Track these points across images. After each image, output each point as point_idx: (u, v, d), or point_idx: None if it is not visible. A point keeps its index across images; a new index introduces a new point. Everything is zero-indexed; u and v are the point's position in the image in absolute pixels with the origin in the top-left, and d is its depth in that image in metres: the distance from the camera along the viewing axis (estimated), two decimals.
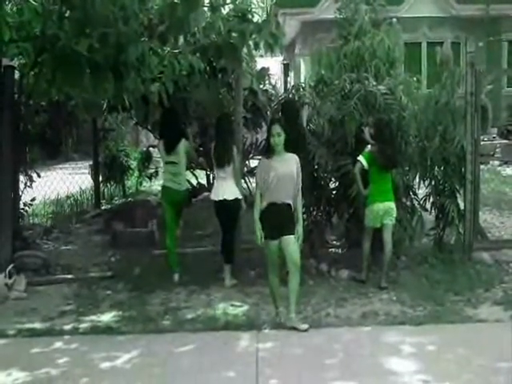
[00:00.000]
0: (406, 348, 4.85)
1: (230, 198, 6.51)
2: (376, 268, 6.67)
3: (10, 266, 6.50)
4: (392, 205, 6.40)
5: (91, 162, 11.56)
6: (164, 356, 4.85)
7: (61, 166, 14.70)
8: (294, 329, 5.21)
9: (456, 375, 4.39)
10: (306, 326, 5.25)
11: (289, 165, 5.37)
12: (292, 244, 5.25)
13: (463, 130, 7.13)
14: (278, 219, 5.30)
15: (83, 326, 5.53)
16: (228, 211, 6.60)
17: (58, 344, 5.13)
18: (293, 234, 5.30)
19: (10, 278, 6.44)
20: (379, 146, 6.39)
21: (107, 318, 5.74)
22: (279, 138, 5.31)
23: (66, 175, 11.76)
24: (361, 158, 6.43)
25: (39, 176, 8.93)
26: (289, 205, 5.34)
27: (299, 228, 5.40)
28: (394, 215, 6.42)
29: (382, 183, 6.41)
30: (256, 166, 6.28)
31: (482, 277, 6.57)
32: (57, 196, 11.03)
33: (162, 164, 7.69)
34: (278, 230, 5.28)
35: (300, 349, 4.91)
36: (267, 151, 5.50)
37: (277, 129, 5.33)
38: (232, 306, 5.96)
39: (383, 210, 6.36)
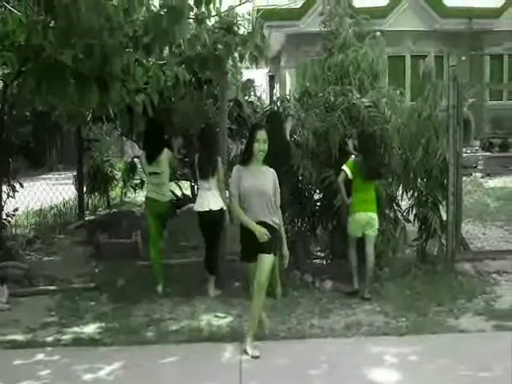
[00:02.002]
0: (389, 358, 4.87)
1: (215, 208, 6.51)
2: (359, 279, 6.68)
3: None
4: (374, 215, 6.44)
5: (75, 173, 11.50)
6: (147, 368, 4.82)
7: (44, 176, 14.60)
8: (245, 352, 4.97)
9: None
10: (256, 354, 4.90)
11: (266, 180, 5.05)
12: (264, 264, 4.91)
13: (446, 142, 7.21)
14: (253, 241, 4.92)
15: (66, 337, 5.49)
16: (213, 222, 6.60)
17: (40, 356, 5.07)
18: (269, 253, 4.94)
19: None
20: (363, 156, 6.44)
21: (90, 329, 5.70)
22: (264, 145, 4.97)
23: (50, 186, 11.66)
24: (345, 167, 6.48)
25: (22, 186, 8.87)
26: (265, 223, 4.98)
27: (284, 248, 5.15)
28: (376, 226, 6.46)
29: (366, 193, 6.45)
30: None
31: (465, 287, 6.64)
32: (40, 207, 10.94)
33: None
34: (254, 252, 4.96)
35: (283, 360, 4.90)
36: (245, 158, 5.11)
37: (263, 135, 4.97)
38: (216, 317, 5.95)
39: (365, 220, 6.40)
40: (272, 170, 5.15)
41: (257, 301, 4.99)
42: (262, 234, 4.90)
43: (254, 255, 4.97)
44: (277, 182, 5.14)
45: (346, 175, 6.45)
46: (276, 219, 5.10)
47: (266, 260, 4.94)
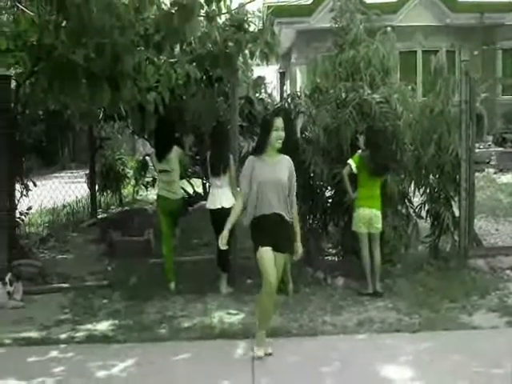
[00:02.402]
0: (402, 355, 4.86)
1: (227, 205, 6.50)
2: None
3: (9, 274, 6.48)
4: (378, 213, 6.41)
5: (88, 171, 11.57)
6: (160, 364, 4.85)
7: (57, 174, 14.70)
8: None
9: (452, 382, 4.41)
10: (269, 351, 4.91)
11: (282, 168, 4.85)
12: (277, 263, 4.78)
13: (458, 137, 7.17)
14: (271, 231, 4.78)
15: (79, 334, 5.53)
16: (225, 219, 6.58)
17: (54, 353, 5.11)
18: (283, 251, 4.85)
19: (10, 285, 6.41)
20: (370, 151, 6.42)
21: (103, 326, 5.73)
22: (283, 133, 4.76)
23: (63, 184, 11.75)
24: (350, 161, 6.46)
25: (35, 185, 8.94)
26: (281, 216, 4.82)
27: (298, 245, 4.94)
28: (379, 224, 6.43)
29: (371, 189, 6.42)
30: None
31: (478, 284, 6.60)
32: (53, 205, 11.02)
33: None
34: (271, 240, 4.75)
35: (296, 357, 4.91)
36: (260, 148, 4.89)
37: (281, 122, 4.77)
38: (228, 314, 5.97)
39: (369, 216, 6.38)
40: (288, 157, 4.94)
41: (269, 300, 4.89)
42: (222, 241, 4.85)
43: (271, 243, 4.75)
44: (293, 169, 4.94)
45: (351, 168, 6.44)
46: (292, 212, 4.92)
47: (279, 258, 4.84)
